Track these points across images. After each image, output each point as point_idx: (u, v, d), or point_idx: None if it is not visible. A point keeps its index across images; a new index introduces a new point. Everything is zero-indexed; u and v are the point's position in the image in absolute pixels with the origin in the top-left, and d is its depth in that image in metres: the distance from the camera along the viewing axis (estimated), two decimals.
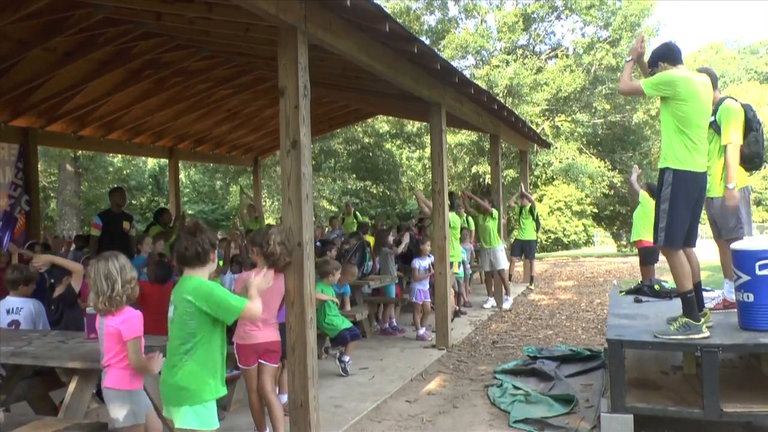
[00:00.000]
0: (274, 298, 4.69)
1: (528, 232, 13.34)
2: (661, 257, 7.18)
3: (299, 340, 4.70)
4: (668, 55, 4.82)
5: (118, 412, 3.71)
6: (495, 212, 11.58)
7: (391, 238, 10.40)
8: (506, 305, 11.50)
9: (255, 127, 14.17)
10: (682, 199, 4.64)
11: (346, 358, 6.94)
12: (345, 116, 15.03)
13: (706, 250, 9.04)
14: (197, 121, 12.63)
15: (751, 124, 5.43)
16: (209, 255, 3.46)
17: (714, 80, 5.30)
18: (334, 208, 27.85)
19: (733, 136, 5.21)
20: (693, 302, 4.74)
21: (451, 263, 9.41)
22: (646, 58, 5.04)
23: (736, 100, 5.51)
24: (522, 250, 13.58)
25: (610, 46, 26.96)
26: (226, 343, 3.56)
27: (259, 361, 4.70)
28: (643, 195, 9.11)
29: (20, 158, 10.15)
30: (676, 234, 4.68)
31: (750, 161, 5.46)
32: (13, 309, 5.33)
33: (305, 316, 4.79)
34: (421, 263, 8.99)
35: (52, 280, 6.19)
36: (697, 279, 5.00)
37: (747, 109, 5.47)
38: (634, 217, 9.44)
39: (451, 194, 10.38)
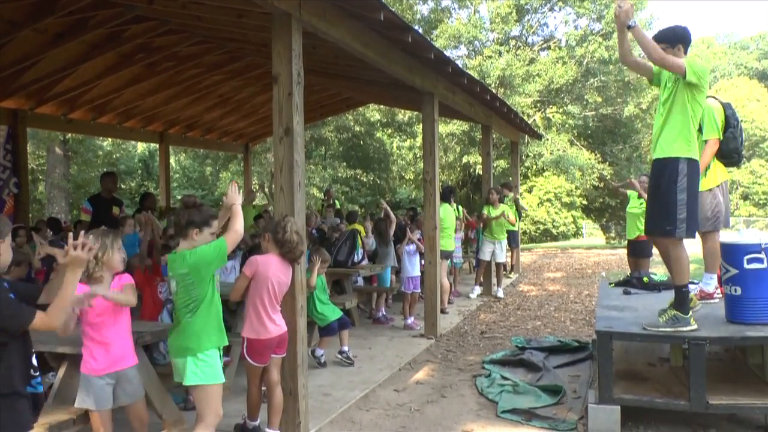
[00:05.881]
0: (283, 289, 4.61)
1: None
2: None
3: (289, 327, 4.68)
4: (686, 42, 4.76)
5: (77, 394, 3.78)
6: (504, 206, 11.87)
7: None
8: (499, 294, 11.73)
9: (246, 114, 14.10)
10: (696, 188, 4.60)
11: (320, 352, 6.91)
12: (336, 104, 14.97)
13: (691, 242, 9.07)
14: (188, 106, 12.56)
15: (729, 122, 5.50)
16: (185, 230, 3.76)
17: None
18: (323, 196, 27.79)
19: (712, 134, 5.28)
20: (687, 296, 4.77)
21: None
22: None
23: (717, 99, 5.60)
24: (507, 240, 13.69)
25: (603, 39, 26.97)
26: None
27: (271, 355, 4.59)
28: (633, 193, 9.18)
29: (9, 140, 10.04)
30: (694, 224, 4.66)
31: (729, 157, 5.57)
32: None
33: (296, 304, 4.79)
34: (409, 248, 9.03)
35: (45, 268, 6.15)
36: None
37: (726, 107, 5.55)
38: (634, 213, 9.43)
39: (449, 189, 10.43)
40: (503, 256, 11.80)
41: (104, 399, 3.73)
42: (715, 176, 5.48)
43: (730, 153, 5.49)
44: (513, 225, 11.92)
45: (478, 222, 12.12)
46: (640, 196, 9.41)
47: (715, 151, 5.38)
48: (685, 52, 4.76)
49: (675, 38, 4.72)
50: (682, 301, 4.76)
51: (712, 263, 5.68)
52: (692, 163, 4.55)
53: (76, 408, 3.91)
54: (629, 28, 4.42)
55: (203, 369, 3.69)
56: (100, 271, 3.73)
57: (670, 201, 4.55)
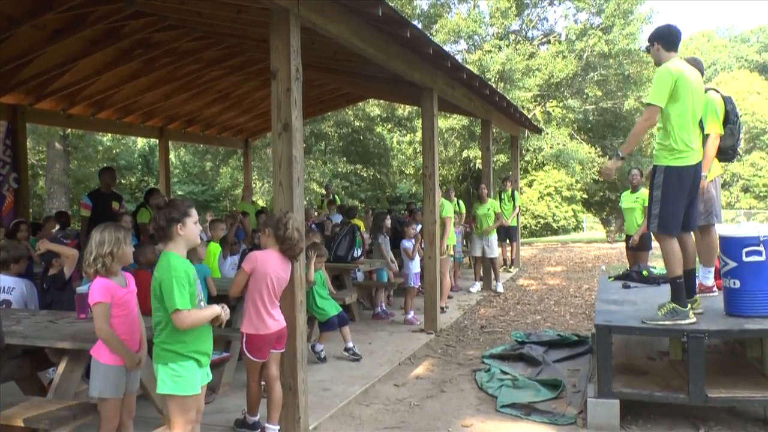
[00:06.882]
0: (282, 285, 4.61)
1: (510, 217, 13.47)
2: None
3: (289, 323, 4.68)
4: (666, 37, 4.82)
5: (90, 381, 3.75)
6: (494, 201, 12.01)
7: (388, 223, 10.39)
8: (499, 289, 11.74)
9: (246, 109, 14.08)
10: (675, 188, 4.70)
11: (320, 347, 6.91)
12: (336, 99, 14.95)
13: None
14: (187, 101, 12.54)
15: (729, 117, 5.49)
16: (167, 230, 3.50)
17: (701, 70, 5.32)
18: (323, 191, 27.81)
19: (714, 127, 5.29)
20: (681, 288, 4.79)
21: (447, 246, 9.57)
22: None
23: (718, 92, 5.57)
24: (506, 235, 13.77)
25: (603, 33, 26.88)
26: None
27: (270, 350, 4.58)
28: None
29: (8, 135, 10.06)
30: (668, 220, 4.73)
31: (724, 153, 5.56)
32: (5, 288, 5.31)
33: (295, 300, 4.79)
34: (409, 244, 9.04)
35: (43, 263, 6.15)
36: (691, 266, 5.05)
37: (727, 101, 5.53)
38: (630, 207, 9.42)
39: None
40: (494, 251, 11.83)
41: (122, 387, 3.77)
42: (710, 171, 5.48)
43: (726, 149, 5.50)
44: (498, 221, 11.96)
45: (475, 220, 12.17)
46: (632, 192, 9.41)
47: (717, 145, 5.38)
48: (666, 48, 4.82)
49: (656, 37, 4.89)
50: (677, 294, 4.78)
51: (709, 257, 5.69)
52: (671, 168, 4.71)
53: (76, 402, 3.93)
54: (622, 158, 4.91)
55: (173, 379, 3.48)
56: (116, 266, 3.76)
57: (649, 197, 4.90)
